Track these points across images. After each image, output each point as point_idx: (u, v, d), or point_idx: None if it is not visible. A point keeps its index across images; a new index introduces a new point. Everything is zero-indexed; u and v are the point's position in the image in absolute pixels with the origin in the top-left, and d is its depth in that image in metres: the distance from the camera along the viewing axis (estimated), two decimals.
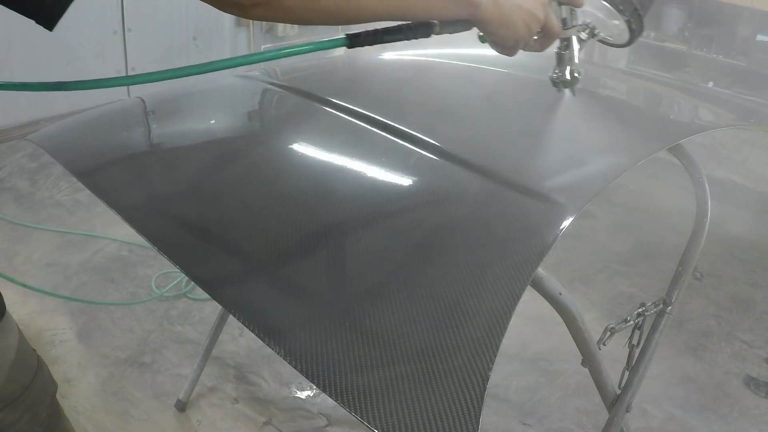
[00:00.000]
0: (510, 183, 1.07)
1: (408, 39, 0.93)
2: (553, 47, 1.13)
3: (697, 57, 3.98)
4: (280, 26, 4.75)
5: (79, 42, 3.77)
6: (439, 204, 1.08)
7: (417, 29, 0.92)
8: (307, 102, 1.43)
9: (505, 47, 0.98)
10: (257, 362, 2.24)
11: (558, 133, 1.37)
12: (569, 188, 1.07)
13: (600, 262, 2.95)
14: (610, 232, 3.20)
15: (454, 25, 0.93)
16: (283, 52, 0.87)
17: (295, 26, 4.84)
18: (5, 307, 0.93)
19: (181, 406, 2.03)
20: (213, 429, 1.98)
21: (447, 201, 1.07)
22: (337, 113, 1.33)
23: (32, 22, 0.77)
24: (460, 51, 1.73)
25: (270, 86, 1.56)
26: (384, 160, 1.19)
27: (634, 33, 1.16)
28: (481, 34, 0.99)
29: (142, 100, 1.53)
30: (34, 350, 1.02)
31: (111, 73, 4.00)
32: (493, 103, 1.49)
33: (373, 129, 1.25)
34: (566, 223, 0.96)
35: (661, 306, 1.53)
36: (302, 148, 1.30)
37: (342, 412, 1.99)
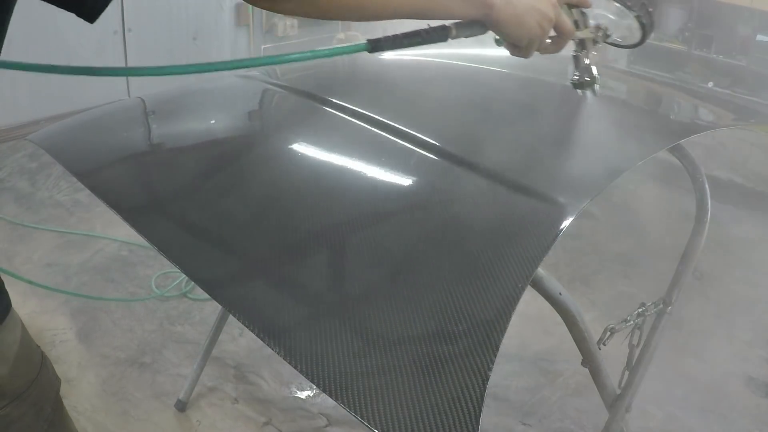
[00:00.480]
0: (510, 183, 1.07)
1: (426, 43, 0.94)
2: (569, 50, 1.15)
3: (697, 57, 3.98)
4: (280, 26, 4.75)
5: (79, 42, 3.77)
6: (438, 204, 1.07)
7: (433, 33, 0.94)
8: (307, 102, 1.43)
9: (520, 48, 1.01)
10: (257, 362, 2.24)
11: (558, 133, 1.37)
12: (569, 188, 1.07)
13: (600, 262, 2.95)
14: (610, 232, 3.20)
15: (470, 27, 0.96)
16: (306, 54, 0.88)
17: (295, 26, 4.84)
18: (10, 303, 0.94)
19: (181, 406, 2.03)
20: (213, 429, 1.98)
21: (447, 201, 1.07)
22: (337, 113, 1.33)
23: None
24: (460, 51, 1.73)
25: (270, 86, 1.56)
26: (384, 160, 1.19)
27: (646, 29, 1.17)
28: (497, 37, 1.01)
29: (142, 100, 1.53)
30: (38, 346, 1.03)
31: None
32: (493, 103, 1.49)
33: (372, 129, 1.25)
34: (566, 223, 0.96)
35: (661, 306, 1.53)
36: (302, 149, 1.30)
37: (342, 412, 1.99)
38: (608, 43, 1.22)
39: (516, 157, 1.22)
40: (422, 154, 1.16)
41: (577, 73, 1.20)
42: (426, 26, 0.94)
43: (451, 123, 1.36)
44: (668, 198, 3.54)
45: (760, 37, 3.76)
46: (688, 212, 1.62)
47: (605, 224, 3.26)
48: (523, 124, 1.38)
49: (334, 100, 1.37)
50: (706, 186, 1.52)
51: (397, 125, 1.24)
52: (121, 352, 2.25)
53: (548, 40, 1.03)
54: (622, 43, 1.23)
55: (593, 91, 1.23)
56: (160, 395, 2.08)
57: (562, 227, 0.95)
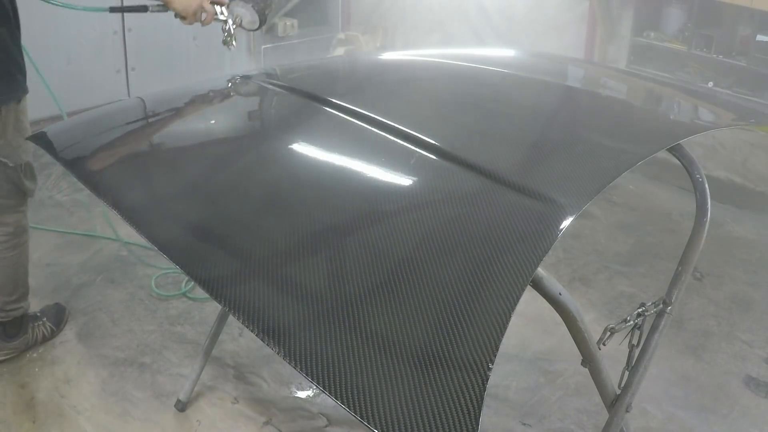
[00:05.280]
0: (510, 183, 1.07)
1: (138, 11, 1.93)
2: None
3: (697, 57, 3.98)
4: (280, 26, 4.75)
5: (79, 42, 3.77)
6: (438, 204, 1.08)
7: (139, 6, 1.90)
8: (307, 102, 1.43)
9: (186, 19, 1.88)
10: (257, 362, 2.24)
11: (558, 134, 1.37)
12: (569, 188, 1.07)
13: (600, 262, 2.95)
14: (610, 232, 3.20)
15: (159, 6, 1.85)
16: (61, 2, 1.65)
17: (295, 26, 4.83)
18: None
19: (181, 406, 2.03)
20: (213, 429, 1.98)
21: (447, 201, 1.08)
22: (337, 113, 1.33)
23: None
24: (460, 51, 1.73)
25: (270, 86, 1.56)
26: (384, 160, 1.19)
27: (261, 17, 1.93)
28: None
29: (142, 100, 1.53)
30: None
31: (111, 74, 4.00)
32: (493, 103, 1.49)
33: (372, 129, 1.25)
34: (566, 223, 0.96)
35: (661, 306, 1.53)
36: (302, 149, 1.30)
37: (342, 412, 1.98)
38: (242, 28, 1.92)
39: (516, 158, 1.22)
40: (422, 154, 1.16)
41: (224, 36, 1.90)
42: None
43: (451, 123, 1.36)
44: (668, 198, 3.54)
45: (760, 37, 3.76)
46: (688, 212, 1.62)
47: (605, 224, 3.26)
48: (523, 124, 1.38)
49: (333, 100, 1.37)
50: (706, 186, 1.52)
51: (396, 125, 1.24)
52: (121, 352, 2.25)
53: (203, 18, 1.86)
54: (249, 28, 1.95)
55: (231, 46, 1.90)
56: (160, 395, 2.08)
57: (562, 227, 0.96)
